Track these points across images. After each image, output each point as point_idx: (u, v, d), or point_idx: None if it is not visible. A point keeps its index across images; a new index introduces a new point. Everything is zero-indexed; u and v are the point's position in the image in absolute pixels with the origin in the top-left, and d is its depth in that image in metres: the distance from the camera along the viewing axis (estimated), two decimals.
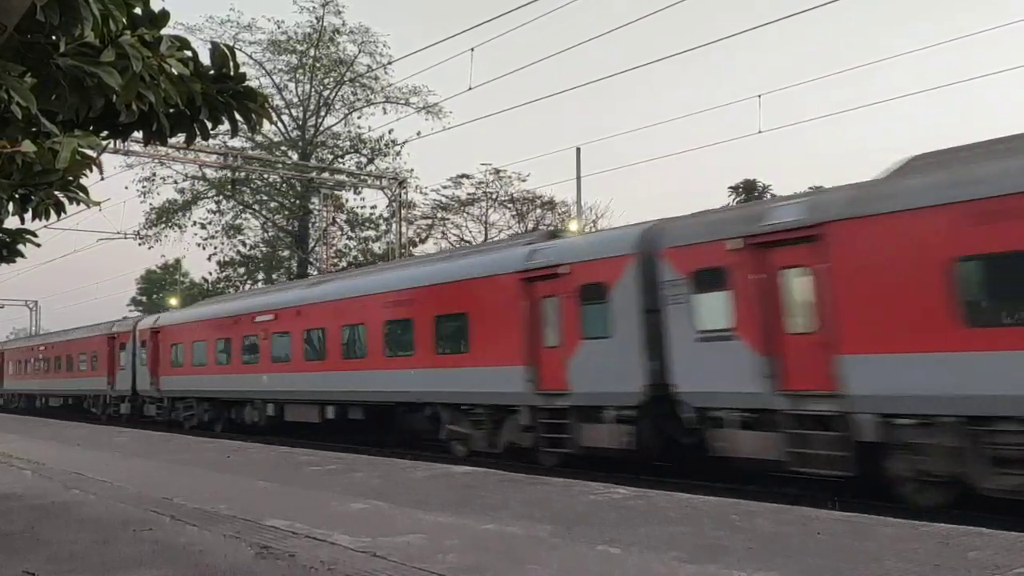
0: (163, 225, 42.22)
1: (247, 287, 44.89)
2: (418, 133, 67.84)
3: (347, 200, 42.67)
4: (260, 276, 45.70)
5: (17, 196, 5.07)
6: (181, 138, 5.13)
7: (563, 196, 47.07)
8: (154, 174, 41.01)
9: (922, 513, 8.58)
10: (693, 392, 11.68)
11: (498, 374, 14.54)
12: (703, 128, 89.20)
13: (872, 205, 10.07)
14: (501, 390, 14.47)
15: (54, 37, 3.83)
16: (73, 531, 7.93)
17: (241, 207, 43.94)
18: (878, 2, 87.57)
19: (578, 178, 28.99)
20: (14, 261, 6.97)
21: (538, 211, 43.73)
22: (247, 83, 5.01)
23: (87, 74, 3.88)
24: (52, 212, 5.19)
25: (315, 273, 37.78)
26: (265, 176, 40.63)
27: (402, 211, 36.52)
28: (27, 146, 3.96)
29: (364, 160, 43.60)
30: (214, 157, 32.05)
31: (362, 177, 39.54)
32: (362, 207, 43.20)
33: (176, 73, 4.25)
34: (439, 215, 44.71)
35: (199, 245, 43.55)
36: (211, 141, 13.60)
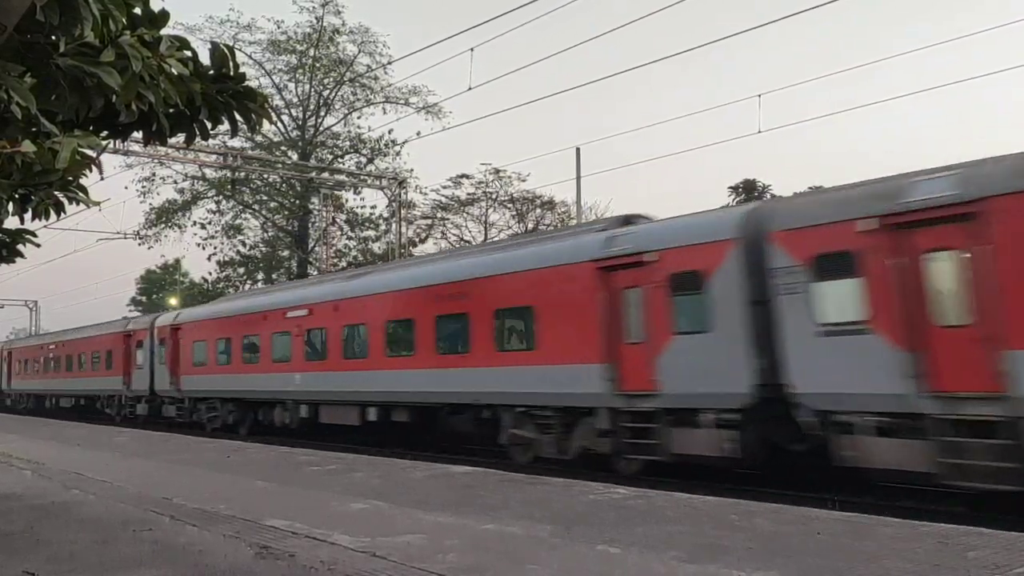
0: (163, 225, 42.24)
1: (247, 287, 44.91)
2: (418, 133, 67.98)
3: (347, 200, 42.73)
4: (260, 276, 45.72)
5: (17, 196, 5.08)
6: (181, 138, 5.14)
7: (563, 196, 47.13)
8: (154, 174, 41.06)
9: (921, 513, 8.57)
10: (814, 393, 10.32)
11: (570, 373, 13.32)
12: (703, 128, 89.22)
13: None
14: (574, 391, 13.23)
15: (54, 37, 3.84)
16: (73, 531, 7.93)
17: (241, 207, 43.95)
18: (878, 2, 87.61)
19: (578, 178, 29.02)
20: (14, 261, 6.98)
21: (538, 211, 43.79)
22: (247, 83, 5.02)
23: (87, 74, 3.89)
24: (52, 212, 5.20)
25: (315, 273, 37.78)
26: (265, 176, 40.63)
27: (402, 211, 36.53)
28: (27, 146, 3.97)
29: (364, 160, 43.64)
30: (214, 157, 32.03)
31: (362, 177, 39.54)
32: (362, 207, 43.28)
33: (176, 73, 4.26)
34: (439, 215, 44.76)
35: (199, 245, 43.62)
36: (211, 141, 13.59)
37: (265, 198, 44.59)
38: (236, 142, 36.73)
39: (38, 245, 6.71)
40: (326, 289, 20.67)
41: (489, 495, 9.46)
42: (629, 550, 6.41)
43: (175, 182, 41.81)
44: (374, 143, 42.73)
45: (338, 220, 41.30)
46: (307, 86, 43.18)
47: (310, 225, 43.14)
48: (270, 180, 42.14)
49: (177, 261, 64.12)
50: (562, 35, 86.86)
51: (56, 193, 5.08)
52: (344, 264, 40.97)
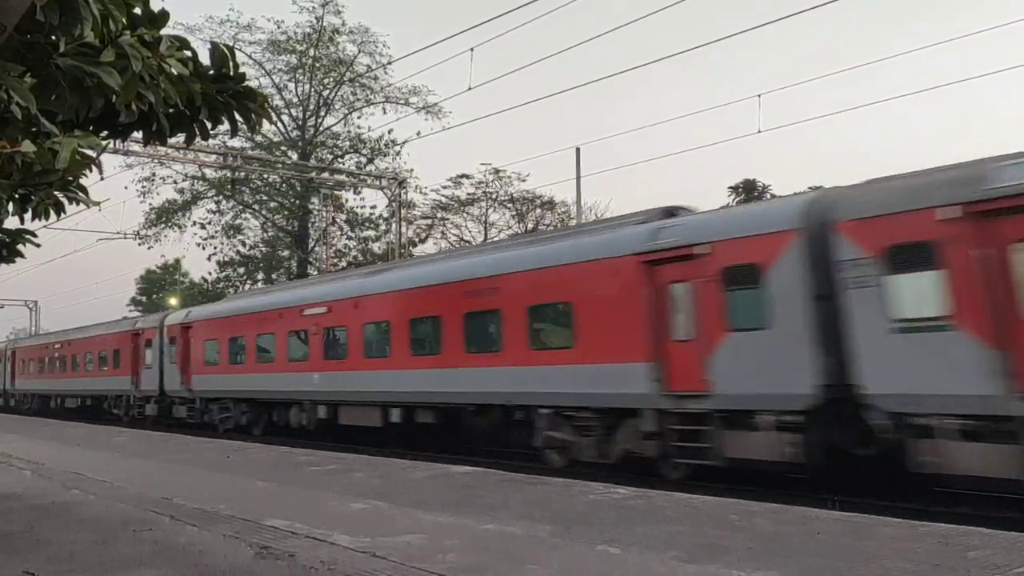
0: (163, 225, 42.28)
1: (247, 287, 44.91)
2: (418, 133, 68.04)
3: (347, 200, 42.77)
4: (260, 276, 45.74)
5: (17, 196, 5.08)
6: (181, 138, 5.14)
7: (563, 196, 47.15)
8: (154, 174, 41.11)
9: (921, 513, 8.57)
10: (888, 394, 9.66)
11: (613, 372, 12.66)
12: (703, 128, 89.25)
13: None
14: (617, 391, 12.57)
15: (54, 37, 3.84)
16: (73, 531, 7.92)
17: (241, 207, 43.98)
18: (878, 2, 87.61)
19: (578, 178, 29.02)
20: (14, 261, 6.98)
21: (538, 211, 43.82)
22: (247, 83, 5.02)
23: (87, 74, 3.89)
24: (52, 212, 5.21)
25: (315, 273, 37.78)
26: (265, 176, 40.65)
27: (402, 211, 36.54)
28: (27, 146, 3.97)
29: (364, 160, 43.67)
30: (214, 157, 32.04)
31: (362, 177, 39.56)
32: (362, 207, 43.32)
33: (176, 73, 4.26)
34: (439, 215, 44.79)
35: (199, 245, 43.65)
36: (211, 141, 13.57)
37: (265, 198, 44.63)
38: (236, 142, 36.80)
39: (38, 245, 6.71)
40: (345, 286, 19.90)
41: (489, 495, 9.46)
42: (629, 550, 6.40)
43: (175, 182, 41.92)
44: (374, 143, 42.81)
45: (338, 220, 41.32)
46: (307, 86, 43.26)
47: (310, 225, 43.16)
48: (270, 180, 42.17)
49: (177, 261, 64.27)
50: (562, 35, 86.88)
51: (56, 193, 5.08)
52: (344, 264, 40.98)
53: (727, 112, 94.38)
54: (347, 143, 44.13)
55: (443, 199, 44.24)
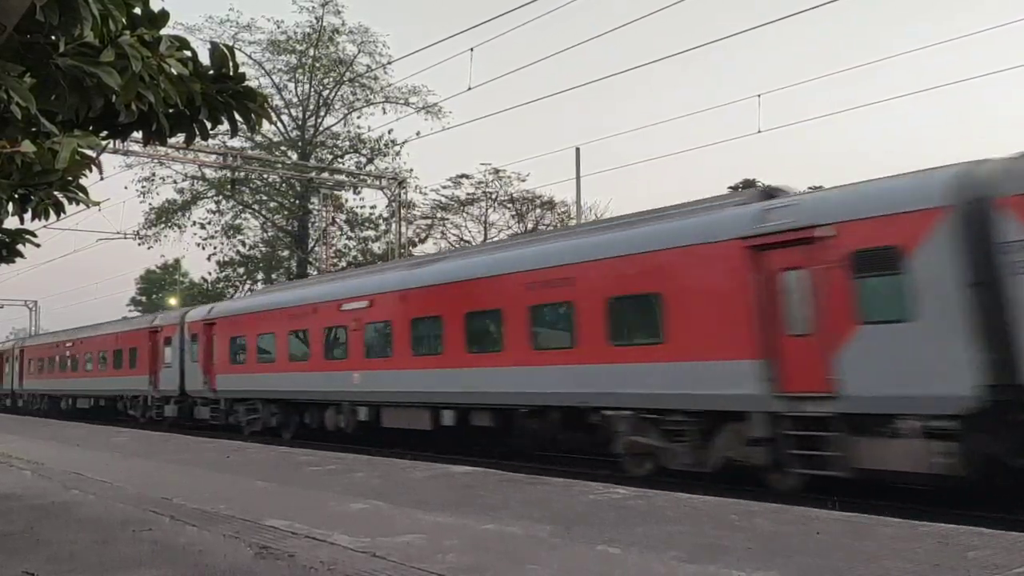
0: (162, 225, 42.31)
1: (247, 287, 44.94)
2: (418, 133, 68.02)
3: (347, 200, 42.79)
4: (260, 276, 45.77)
5: (17, 196, 5.09)
6: (181, 138, 5.15)
7: (563, 196, 47.15)
8: (153, 174, 41.14)
9: (921, 513, 8.56)
10: None
11: (712, 371, 11.41)
12: (703, 128, 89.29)
13: None
14: (717, 392, 11.30)
15: (54, 37, 3.84)
16: (73, 531, 7.93)
17: (241, 207, 44.00)
18: (878, 2, 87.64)
19: (577, 178, 29.05)
20: (14, 261, 6.99)
21: (538, 211, 43.84)
22: (246, 83, 5.03)
23: (87, 74, 3.89)
24: (52, 212, 5.21)
25: (315, 273, 37.79)
26: (265, 176, 40.67)
27: (402, 211, 36.56)
28: (27, 146, 3.97)
29: (364, 160, 43.70)
30: (214, 157, 32.05)
31: (361, 177, 39.58)
32: (362, 207, 43.34)
33: (176, 73, 4.26)
34: (439, 215, 44.79)
35: (198, 245, 43.68)
36: (211, 141, 13.57)
37: (265, 198, 44.65)
38: (236, 142, 36.81)
39: (38, 245, 6.72)
40: (389, 278, 18.47)
41: (489, 495, 9.46)
42: (629, 550, 6.41)
43: (175, 182, 41.95)
44: (374, 143, 42.83)
45: (338, 220, 41.34)
46: (307, 86, 43.28)
47: (310, 225, 43.18)
48: (270, 180, 42.20)
49: (177, 261, 64.37)
50: (562, 35, 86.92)
51: (56, 193, 5.09)
52: (344, 264, 40.99)
53: (727, 112, 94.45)
54: (347, 143, 44.21)
55: (443, 199, 44.30)
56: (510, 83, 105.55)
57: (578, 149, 28.84)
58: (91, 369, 33.72)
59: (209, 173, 40.53)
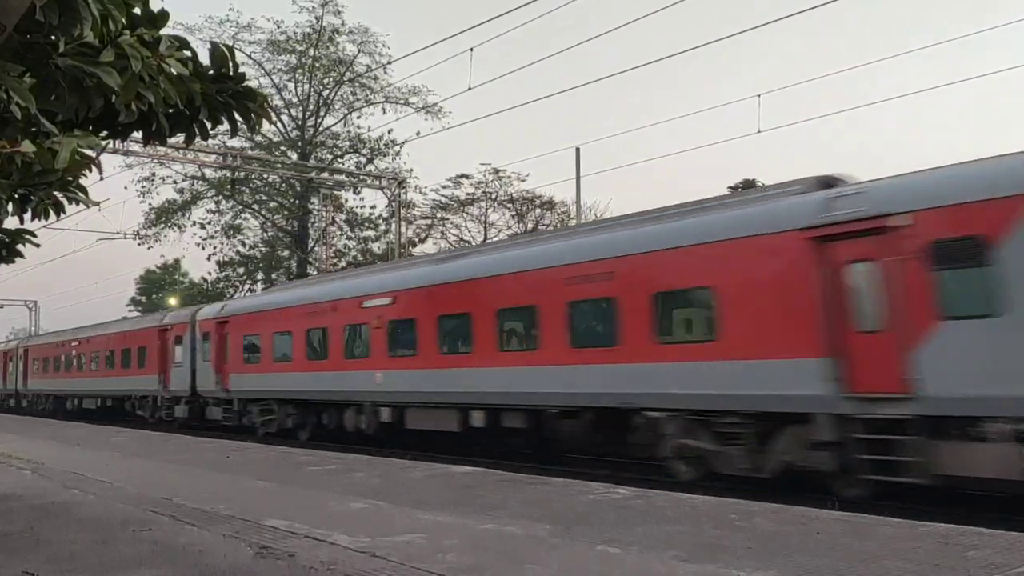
0: (162, 225, 42.33)
1: (246, 287, 44.94)
2: (417, 133, 68.08)
3: (346, 200, 42.81)
4: (260, 276, 45.77)
5: (16, 196, 5.09)
6: (180, 138, 5.16)
7: (562, 196, 47.14)
8: (153, 174, 41.16)
9: (921, 513, 8.56)
10: None
11: (771, 370, 10.74)
12: (703, 128, 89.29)
13: None
14: (778, 392, 10.61)
15: (53, 37, 3.84)
16: (72, 531, 7.92)
17: (240, 207, 44.01)
18: (878, 2, 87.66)
19: (577, 178, 29.05)
20: (13, 261, 6.99)
21: (537, 211, 43.85)
22: (246, 83, 5.03)
23: (86, 74, 3.89)
24: (51, 212, 5.22)
25: (314, 273, 37.79)
26: (264, 176, 40.69)
27: (401, 211, 36.56)
28: (26, 146, 3.97)
29: (363, 160, 43.71)
30: (213, 157, 32.05)
31: (361, 177, 39.59)
32: (361, 207, 43.35)
33: (175, 73, 4.27)
34: (438, 215, 44.80)
35: (198, 245, 43.69)
36: (210, 141, 13.55)
37: (265, 198, 44.67)
38: (236, 142, 36.83)
39: (37, 245, 6.72)
40: (414, 274, 17.73)
41: (489, 495, 9.46)
42: (629, 550, 6.41)
43: (175, 182, 41.98)
44: (374, 143, 42.84)
45: (338, 220, 41.35)
46: (307, 86, 43.29)
47: (310, 225, 43.19)
48: (270, 180, 42.21)
49: (177, 261, 64.38)
50: (562, 35, 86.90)
51: (56, 193, 5.09)
52: (344, 264, 41.00)
53: (727, 112, 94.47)
54: (347, 143, 44.22)
55: (443, 199, 44.31)
56: (510, 83, 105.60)
57: (578, 149, 28.86)
58: (98, 369, 33.05)
59: (209, 173, 40.58)
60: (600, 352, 13.01)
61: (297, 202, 43.42)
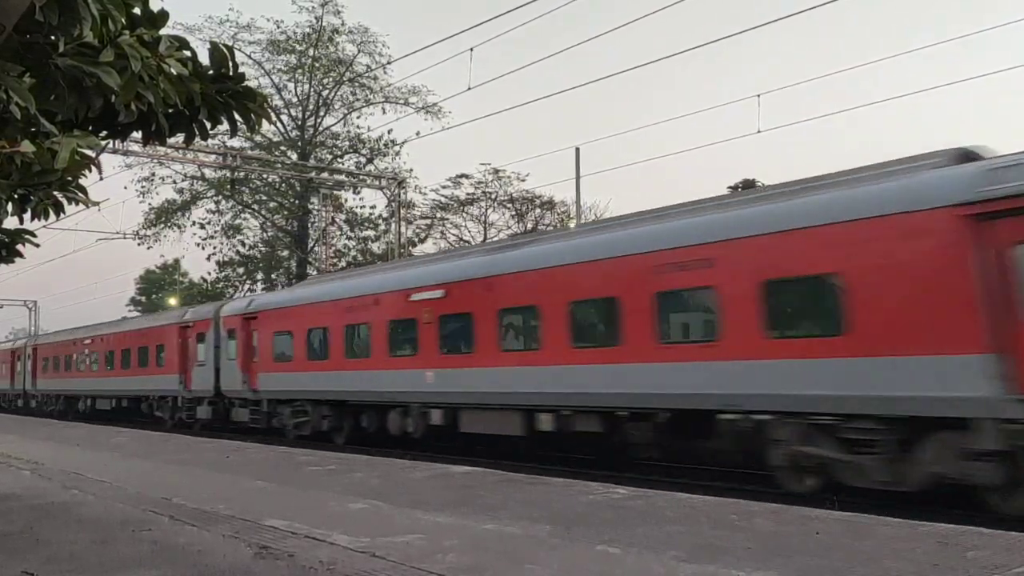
0: (162, 225, 42.33)
1: (246, 287, 44.93)
2: (417, 133, 68.16)
3: (346, 200, 42.83)
4: (259, 276, 45.77)
5: (16, 196, 5.09)
6: (180, 138, 5.15)
7: (562, 196, 47.18)
8: (153, 174, 41.19)
9: (921, 513, 8.55)
10: None
11: (917, 368, 9.37)
12: (703, 128, 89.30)
13: None
14: (926, 394, 9.24)
15: (53, 37, 3.84)
16: (72, 531, 7.92)
17: (240, 207, 44.02)
18: (878, 2, 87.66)
19: (577, 178, 29.03)
20: (13, 261, 6.99)
21: (537, 211, 43.87)
22: (246, 83, 5.03)
23: (86, 74, 3.89)
24: (51, 212, 5.22)
25: (314, 273, 37.79)
26: (264, 176, 40.69)
27: (401, 211, 36.55)
28: (26, 146, 3.97)
29: (363, 160, 43.72)
30: (213, 157, 32.05)
31: (361, 177, 39.59)
32: (361, 207, 43.37)
33: (175, 73, 4.26)
34: (438, 215, 44.82)
35: (198, 245, 43.72)
36: (210, 141, 13.54)
37: (264, 198, 44.68)
38: (235, 142, 36.84)
39: (37, 245, 6.72)
40: (469, 264, 16.57)
41: (488, 495, 9.46)
42: (628, 550, 6.40)
43: (174, 182, 42.01)
44: (373, 143, 42.87)
45: (337, 220, 41.35)
46: (306, 86, 43.31)
47: (309, 225, 43.20)
48: (269, 180, 42.21)
49: (176, 261, 64.38)
50: (562, 35, 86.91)
51: (55, 193, 5.09)
52: (344, 264, 41.00)
53: (727, 112, 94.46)
54: (347, 143, 44.24)
55: (442, 199, 44.33)
56: (510, 83, 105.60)
57: (578, 149, 28.83)
58: (113, 368, 31.63)
59: (209, 173, 40.61)
60: (696, 348, 11.85)
61: (297, 202, 43.43)
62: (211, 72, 4.82)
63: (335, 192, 39.93)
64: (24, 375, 42.85)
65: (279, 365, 21.27)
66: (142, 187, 41.08)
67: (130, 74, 3.94)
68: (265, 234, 45.46)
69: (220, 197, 42.57)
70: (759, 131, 22.32)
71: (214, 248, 44.01)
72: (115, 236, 37.37)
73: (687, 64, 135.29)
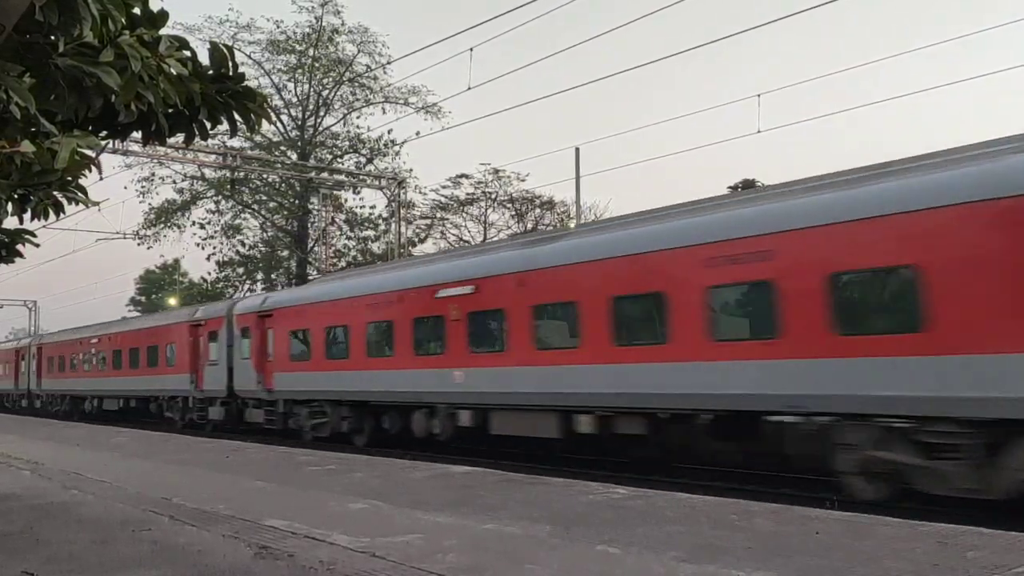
0: (162, 225, 42.27)
1: (246, 287, 44.91)
2: (417, 133, 67.90)
3: (346, 200, 42.78)
4: (259, 276, 45.75)
5: (16, 196, 5.09)
6: (180, 138, 5.15)
7: (562, 196, 47.16)
8: (153, 174, 41.11)
9: (921, 513, 8.55)
10: None
11: (1010, 367, 8.67)
12: (703, 128, 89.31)
13: None
14: (1017, 395, 8.59)
15: (53, 37, 3.84)
16: (72, 531, 7.92)
17: (240, 207, 43.96)
18: (878, 2, 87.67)
19: (577, 178, 29.01)
20: (13, 261, 6.99)
21: (537, 211, 43.87)
22: (246, 83, 5.03)
23: (86, 74, 3.89)
24: (51, 212, 5.22)
25: (314, 274, 37.79)
26: (264, 176, 40.67)
27: (401, 211, 36.55)
28: (26, 146, 3.97)
29: (363, 160, 43.68)
30: (213, 157, 32.03)
31: (361, 177, 39.57)
32: (361, 207, 43.32)
33: (175, 73, 4.26)
34: (438, 215, 44.81)
35: (198, 245, 43.63)
36: (210, 141, 13.53)
37: (264, 198, 44.63)
38: (235, 142, 36.76)
39: (37, 245, 6.72)
40: (499, 258, 15.88)
41: (488, 495, 9.46)
42: (628, 550, 6.40)
43: (174, 182, 41.92)
44: (373, 143, 42.81)
45: (337, 220, 41.32)
46: (306, 86, 43.24)
47: (309, 225, 43.16)
48: (269, 180, 42.18)
49: (176, 261, 64.36)
50: (562, 35, 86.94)
51: (55, 193, 5.10)
52: (344, 264, 41.00)
53: (727, 112, 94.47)
54: (346, 143, 44.16)
55: (442, 199, 44.32)
56: (510, 83, 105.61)
57: (578, 149, 28.77)
58: (121, 368, 30.96)
59: (209, 173, 40.53)
60: (753, 346, 11.14)
61: (297, 202, 43.39)
62: (211, 72, 4.82)
63: (335, 192, 39.90)
64: (29, 375, 42.37)
65: (296, 364, 20.67)
66: (142, 187, 41.08)
67: (130, 74, 3.95)
68: (265, 234, 45.43)
69: (220, 197, 42.52)
70: (759, 131, 22.32)
71: (214, 248, 44.00)
72: (115, 236, 37.42)
73: (687, 64, 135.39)
